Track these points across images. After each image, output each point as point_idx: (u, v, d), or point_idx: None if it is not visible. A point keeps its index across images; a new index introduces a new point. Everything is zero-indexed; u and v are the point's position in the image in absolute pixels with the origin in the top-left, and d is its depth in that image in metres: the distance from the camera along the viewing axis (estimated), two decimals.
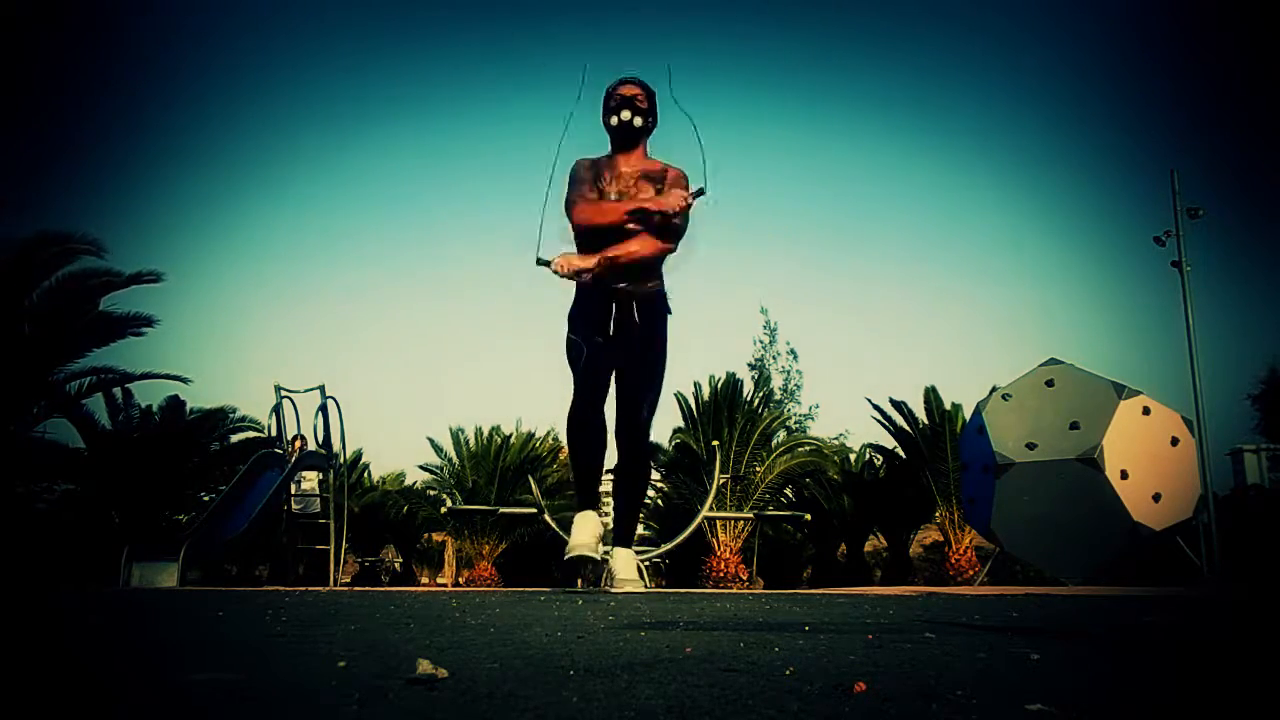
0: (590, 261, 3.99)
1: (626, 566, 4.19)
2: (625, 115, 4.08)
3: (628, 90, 4.12)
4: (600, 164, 4.16)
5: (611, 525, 4.54)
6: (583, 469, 4.20)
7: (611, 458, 4.31)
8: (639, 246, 3.99)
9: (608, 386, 4.14)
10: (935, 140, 36.76)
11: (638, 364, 4.10)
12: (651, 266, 4.09)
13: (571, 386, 4.13)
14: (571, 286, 4.18)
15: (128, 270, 10.30)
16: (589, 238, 4.06)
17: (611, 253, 3.98)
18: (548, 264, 4.03)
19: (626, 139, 4.13)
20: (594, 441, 4.13)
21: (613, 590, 4.03)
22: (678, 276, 4.22)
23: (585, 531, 4.08)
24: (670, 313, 4.20)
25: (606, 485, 5.69)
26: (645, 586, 5.17)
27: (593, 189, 4.09)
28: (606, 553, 4.41)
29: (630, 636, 1.60)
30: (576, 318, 4.16)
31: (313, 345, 37.58)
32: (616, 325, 4.04)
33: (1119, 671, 1.23)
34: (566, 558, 4.09)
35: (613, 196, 4.05)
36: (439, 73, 35.91)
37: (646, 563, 11.97)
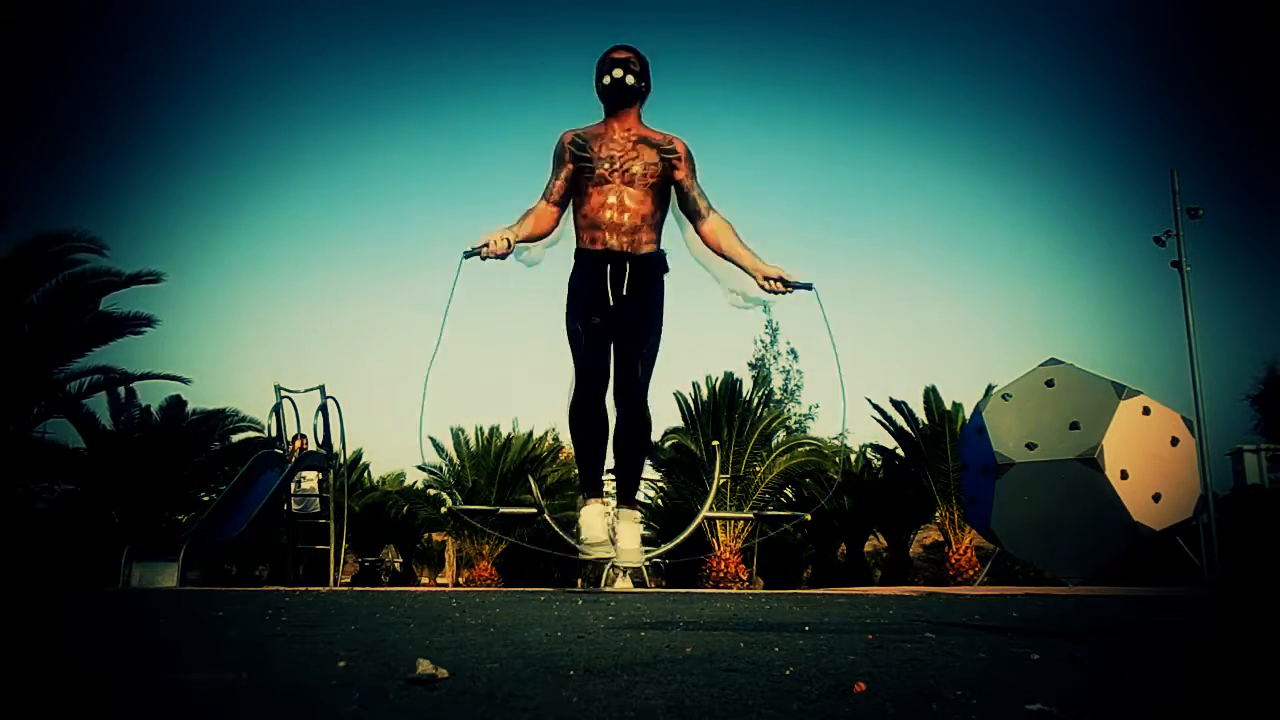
0: (511, 231, 4.00)
1: (631, 535, 4.31)
2: (617, 73, 4.06)
3: (619, 54, 4.13)
4: (589, 132, 4.14)
5: (615, 488, 4.66)
6: (585, 458, 4.27)
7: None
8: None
9: (609, 373, 4.15)
10: (935, 139, 36.68)
11: (635, 324, 4.10)
12: (649, 224, 4.10)
13: (571, 369, 4.14)
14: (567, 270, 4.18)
15: (128, 270, 10.33)
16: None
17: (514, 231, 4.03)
18: (476, 252, 3.97)
19: (619, 98, 4.10)
20: (596, 431, 4.18)
21: (616, 563, 4.16)
22: (677, 274, 4.21)
23: (597, 528, 4.18)
24: (668, 270, 4.19)
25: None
26: (644, 557, 5.27)
27: (574, 163, 4.07)
28: (615, 516, 4.50)
29: (630, 636, 1.60)
30: (576, 286, 4.14)
31: (313, 345, 37.49)
32: (613, 287, 4.04)
33: (1119, 671, 1.23)
34: (585, 556, 4.19)
35: (604, 163, 4.05)
36: (440, 73, 35.82)
37: (647, 563, 11.96)
